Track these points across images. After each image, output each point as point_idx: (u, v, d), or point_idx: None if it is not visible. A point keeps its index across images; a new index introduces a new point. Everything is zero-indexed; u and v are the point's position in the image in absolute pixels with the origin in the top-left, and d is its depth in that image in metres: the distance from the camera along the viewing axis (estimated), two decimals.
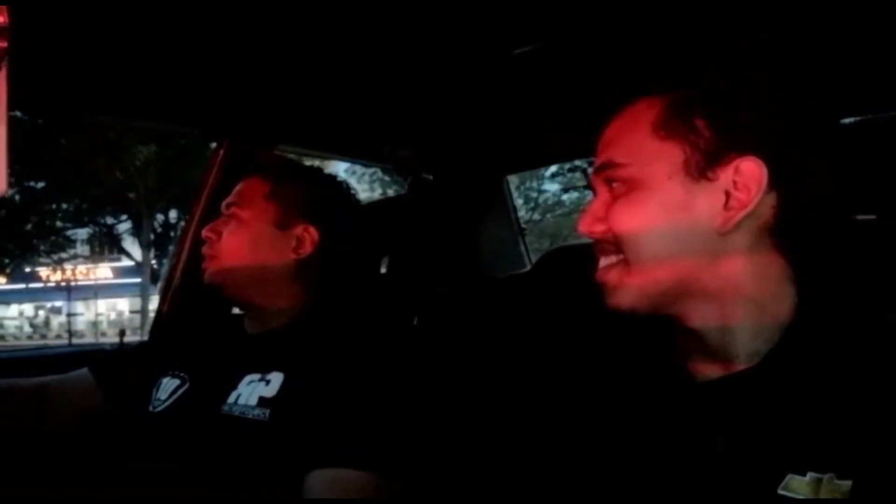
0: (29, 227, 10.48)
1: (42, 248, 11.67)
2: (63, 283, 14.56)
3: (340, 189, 1.10)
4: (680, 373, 0.66)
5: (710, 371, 0.63)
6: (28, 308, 18.29)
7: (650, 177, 0.62)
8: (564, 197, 13.12)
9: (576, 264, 0.72)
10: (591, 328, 0.75)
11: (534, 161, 1.95)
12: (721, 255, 0.61)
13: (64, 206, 10.79)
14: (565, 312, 1.06)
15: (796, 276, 0.62)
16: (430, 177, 1.74)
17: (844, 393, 0.55)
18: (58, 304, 17.35)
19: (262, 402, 0.89)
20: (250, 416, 0.89)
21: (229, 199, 1.04)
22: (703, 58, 0.91)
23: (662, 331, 0.67)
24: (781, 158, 0.60)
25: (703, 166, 0.61)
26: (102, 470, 1.00)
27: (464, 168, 1.73)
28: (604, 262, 0.66)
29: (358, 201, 1.13)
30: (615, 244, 0.64)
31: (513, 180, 1.91)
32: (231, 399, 0.92)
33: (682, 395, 0.64)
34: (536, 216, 12.68)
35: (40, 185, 10.23)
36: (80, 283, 15.02)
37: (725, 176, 0.60)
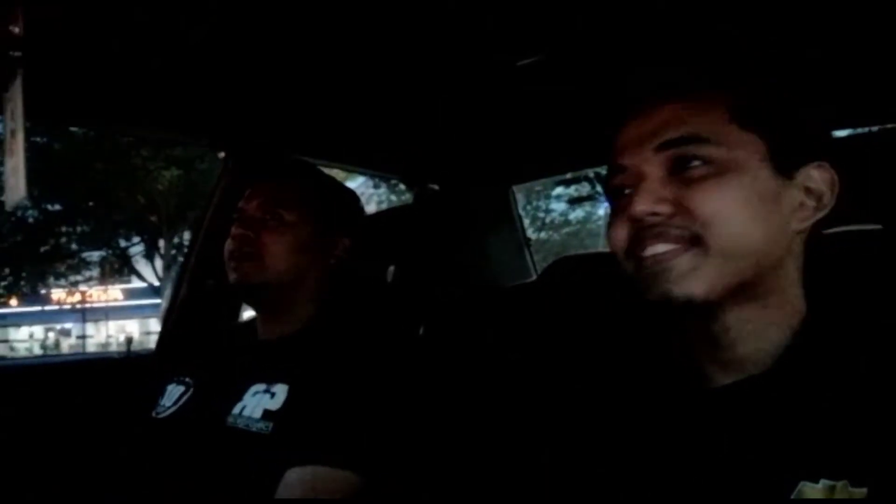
0: (45, 249, 10.50)
1: (58, 270, 11.69)
2: (78, 306, 14.61)
3: (359, 200, 1.15)
4: (688, 378, 0.64)
5: (719, 377, 0.62)
6: (38, 330, 18.35)
7: (742, 160, 0.58)
8: (571, 216, 13.12)
9: (582, 273, 0.71)
10: (599, 335, 0.74)
11: (540, 172, 1.95)
12: (788, 254, 0.60)
13: (80, 228, 10.83)
14: (573, 320, 1.06)
15: (806, 280, 0.62)
16: (437, 186, 1.75)
17: (858, 398, 0.54)
18: (67, 325, 17.40)
19: (267, 415, 0.89)
20: (254, 430, 0.89)
21: (265, 200, 1.03)
22: (764, 59, 0.91)
23: (670, 335, 0.66)
24: (836, 168, 0.60)
25: (785, 164, 0.59)
26: (106, 476, 1.00)
27: (470, 178, 1.74)
28: (664, 247, 0.58)
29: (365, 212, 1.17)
30: (686, 227, 0.58)
31: (519, 199, 1.91)
32: (236, 410, 0.92)
33: (692, 401, 0.63)
34: (543, 235, 12.66)
35: (57, 207, 10.27)
36: (94, 305, 15.06)
37: (803, 176, 0.60)
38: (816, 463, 0.53)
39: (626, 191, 0.63)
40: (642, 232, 0.60)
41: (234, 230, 1.02)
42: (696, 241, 0.58)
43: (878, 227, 0.84)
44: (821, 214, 0.60)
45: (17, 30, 0.73)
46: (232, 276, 1.01)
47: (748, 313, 0.60)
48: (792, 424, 0.55)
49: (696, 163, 0.59)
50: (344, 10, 0.87)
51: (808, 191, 0.60)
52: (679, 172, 0.60)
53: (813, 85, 0.97)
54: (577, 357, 0.78)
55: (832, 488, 0.52)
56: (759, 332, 0.60)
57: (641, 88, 0.65)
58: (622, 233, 0.62)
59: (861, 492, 0.51)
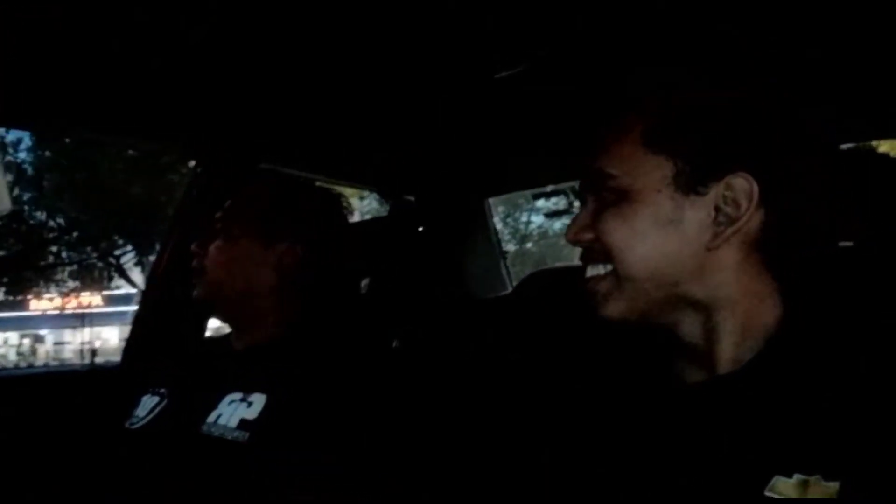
0: (30, 254, 10.23)
1: (48, 276, 11.40)
2: (56, 311, 14.33)
3: (328, 205, 1.10)
4: (665, 377, 0.66)
5: (695, 375, 0.64)
6: (13, 336, 18.02)
7: (640, 189, 0.61)
8: (555, 226, 13.25)
9: (556, 286, 0.72)
10: (575, 343, 0.76)
11: (515, 184, 1.96)
12: (709, 269, 0.61)
13: (74, 234, 10.54)
14: (547, 330, 1.06)
15: (782, 290, 0.63)
16: (412, 198, 1.74)
17: (831, 395, 0.55)
18: (41, 332, 17.08)
19: (243, 424, 0.88)
20: (229, 438, 0.87)
21: (219, 215, 1.04)
22: (695, 68, 0.93)
23: (647, 337, 0.67)
24: (772, 175, 0.60)
25: (693, 180, 0.60)
26: (80, 488, 0.98)
27: (446, 190, 1.74)
28: (591, 271, 0.65)
29: (345, 216, 1.12)
30: (603, 254, 0.63)
31: (499, 211, 1.92)
32: (211, 419, 0.90)
33: (667, 398, 0.64)
34: (527, 246, 12.74)
35: (59, 220, 9.99)
36: (74, 310, 14.77)
37: (716, 191, 0.60)
38: (789, 458, 0.54)
39: None
40: (582, 253, 0.67)
41: (192, 247, 1.04)
42: (611, 269, 0.63)
43: (849, 244, 0.85)
44: (735, 227, 0.60)
45: None
46: (193, 294, 1.03)
47: (699, 322, 0.63)
48: (764, 421, 0.57)
49: (605, 193, 0.64)
50: (320, 21, 0.87)
51: (724, 202, 0.60)
52: (600, 201, 0.65)
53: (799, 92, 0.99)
54: (553, 366, 0.79)
55: (805, 482, 0.53)
56: (720, 337, 0.62)
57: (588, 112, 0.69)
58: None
59: (834, 485, 0.52)
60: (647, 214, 0.61)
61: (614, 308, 0.63)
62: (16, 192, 8.20)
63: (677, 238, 0.61)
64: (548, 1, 0.84)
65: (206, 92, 1.09)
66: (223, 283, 1.00)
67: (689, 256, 0.61)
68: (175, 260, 1.31)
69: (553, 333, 1.04)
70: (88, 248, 10.70)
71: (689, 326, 0.63)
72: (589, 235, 0.64)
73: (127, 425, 0.99)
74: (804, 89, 0.98)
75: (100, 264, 10.95)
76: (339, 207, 1.10)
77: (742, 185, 0.60)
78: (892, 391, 0.54)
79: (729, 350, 0.62)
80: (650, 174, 0.61)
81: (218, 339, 1.10)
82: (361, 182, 1.84)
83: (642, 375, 0.68)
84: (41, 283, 11.47)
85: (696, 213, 0.61)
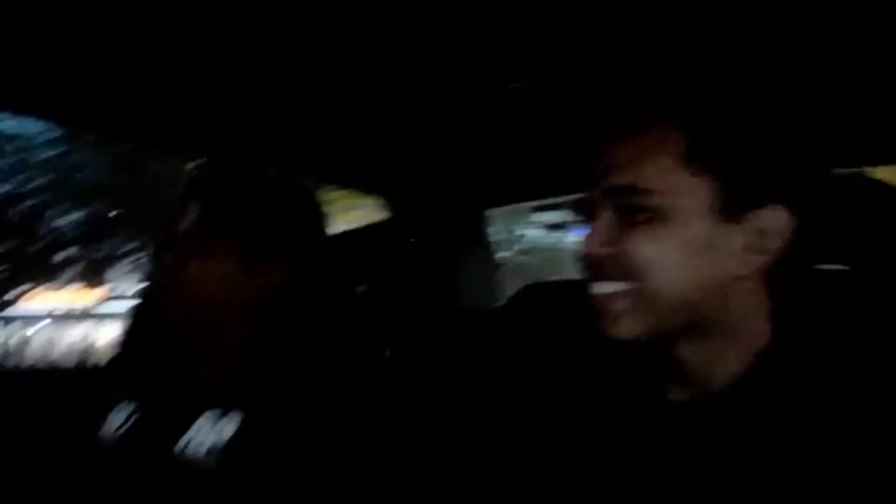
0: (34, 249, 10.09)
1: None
2: (53, 311, 14.19)
3: (317, 213, 1.03)
4: (654, 394, 0.66)
5: (679, 393, 0.64)
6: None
7: (679, 211, 0.59)
8: (548, 240, 13.23)
9: (549, 299, 0.72)
10: (566, 357, 0.75)
11: (514, 196, 1.96)
12: (731, 295, 0.61)
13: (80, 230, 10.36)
14: (540, 344, 1.05)
15: (774, 309, 0.63)
16: (408, 207, 1.74)
17: (811, 418, 0.55)
18: (35, 328, 17.01)
19: (217, 446, 0.86)
20: (204, 460, 0.85)
21: (201, 227, 0.93)
22: (695, 68, 0.92)
23: (638, 355, 0.67)
24: (802, 210, 0.60)
25: (733, 207, 0.59)
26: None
27: (443, 199, 1.73)
28: (607, 287, 0.62)
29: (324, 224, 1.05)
30: (625, 271, 0.61)
31: (497, 221, 1.92)
32: (183, 441, 0.88)
33: (656, 414, 0.64)
34: (521, 258, 12.74)
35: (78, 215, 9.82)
36: (69, 309, 14.64)
37: (752, 221, 0.60)
38: (771, 476, 0.54)
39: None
40: (590, 269, 0.64)
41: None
42: (631, 287, 0.60)
43: (845, 267, 0.85)
44: (768, 258, 0.60)
45: None
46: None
47: (701, 346, 0.62)
48: (747, 439, 0.57)
49: (638, 210, 0.61)
50: (321, 24, 0.87)
51: (758, 233, 0.60)
52: (625, 215, 0.62)
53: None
54: (544, 379, 0.78)
55: None
56: (714, 360, 0.62)
57: (598, 125, 0.66)
58: (580, 265, 0.65)
59: None
60: (684, 237, 0.59)
61: (628, 328, 0.61)
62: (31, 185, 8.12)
63: (709, 264, 0.60)
64: (548, 1, 0.83)
65: (205, 92, 1.08)
66: (206, 303, 0.90)
67: (717, 283, 0.60)
68: (166, 266, 1.30)
69: (545, 346, 1.03)
70: (96, 245, 10.57)
71: (692, 349, 0.62)
72: (610, 250, 0.62)
73: (99, 434, 0.95)
74: (804, 89, 0.97)
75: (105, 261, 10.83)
76: (321, 212, 1.01)
77: (779, 218, 0.59)
78: (881, 406, 0.54)
79: (723, 371, 0.61)
80: (691, 195, 0.59)
81: (190, 351, 1.05)
82: (360, 188, 1.84)
83: (631, 390, 0.68)
84: (45, 279, 11.31)
85: (730, 241, 0.60)
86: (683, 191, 0.60)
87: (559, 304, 1.11)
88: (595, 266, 0.63)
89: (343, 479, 0.83)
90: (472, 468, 0.83)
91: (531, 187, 1.75)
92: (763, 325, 0.62)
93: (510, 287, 1.81)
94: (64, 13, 0.83)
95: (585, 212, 0.65)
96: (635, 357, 0.68)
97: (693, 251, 0.59)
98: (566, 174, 1.41)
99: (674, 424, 0.62)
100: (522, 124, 1.23)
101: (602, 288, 0.62)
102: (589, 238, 0.63)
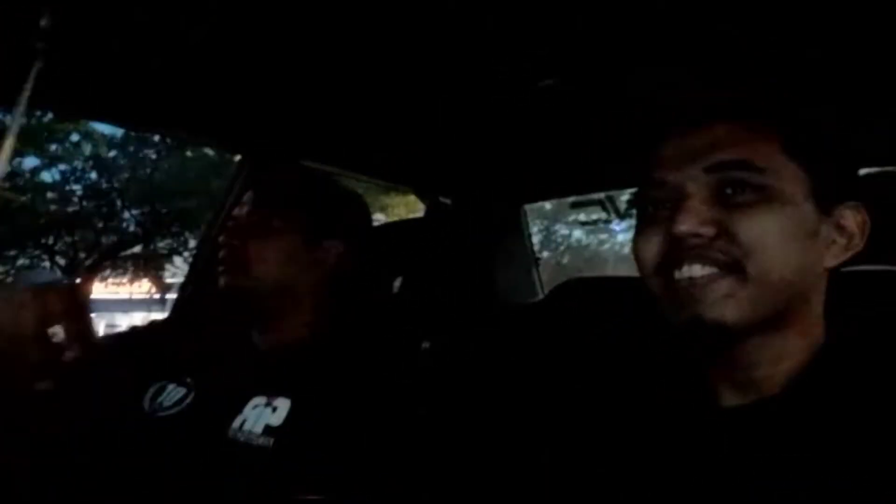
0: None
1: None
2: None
3: (363, 205, 1.11)
4: (699, 397, 0.64)
5: (731, 397, 0.62)
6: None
7: (790, 192, 0.58)
8: (588, 240, 13.12)
9: (589, 294, 0.71)
10: (608, 356, 0.74)
11: (553, 192, 1.95)
12: (815, 289, 0.61)
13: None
14: (579, 339, 1.05)
15: (828, 313, 0.62)
16: (449, 201, 1.75)
17: (869, 425, 0.54)
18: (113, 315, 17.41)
19: (268, 430, 0.88)
20: (255, 444, 0.88)
21: (254, 205, 1.02)
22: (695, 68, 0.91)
23: (682, 354, 0.66)
24: (867, 210, 0.61)
25: (827, 198, 0.59)
26: (99, 472, 0.97)
27: (483, 194, 1.74)
28: (702, 270, 0.57)
29: (371, 219, 1.13)
30: (728, 252, 0.57)
31: (536, 222, 1.92)
32: (236, 424, 0.90)
33: (704, 419, 0.62)
34: (564, 260, 12.66)
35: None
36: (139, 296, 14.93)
37: (838, 215, 0.60)
38: (825, 486, 0.52)
39: (667, 205, 0.61)
40: (680, 251, 0.58)
41: (223, 238, 1.01)
42: (735, 268, 0.57)
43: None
44: (850, 254, 0.60)
45: (43, 22, 0.74)
46: (220, 284, 0.99)
47: (770, 340, 0.59)
48: (802, 448, 0.55)
49: (746, 189, 0.58)
50: (364, 18, 0.88)
51: (840, 229, 0.60)
52: (724, 195, 0.58)
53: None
54: (586, 378, 0.78)
55: None
56: (776, 358, 0.60)
57: (693, 105, 0.62)
58: (654, 248, 0.61)
59: None
60: (795, 220, 0.58)
61: (735, 310, 0.57)
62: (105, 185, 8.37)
63: (814, 251, 0.59)
64: (548, 2, 0.83)
65: (250, 85, 1.11)
66: (263, 278, 0.97)
67: (815, 273, 0.60)
68: (215, 252, 1.34)
69: (585, 342, 1.03)
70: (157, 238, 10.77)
71: (762, 341, 0.59)
72: (711, 229, 0.57)
73: (148, 410, 0.98)
74: (804, 90, 0.95)
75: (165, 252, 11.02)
76: (364, 204, 1.11)
77: (858, 215, 0.61)
78: None
79: (786, 368, 0.60)
80: (793, 180, 0.58)
81: (237, 334, 1.09)
82: (400, 182, 1.85)
83: (677, 394, 0.66)
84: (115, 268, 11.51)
85: (827, 232, 0.60)
86: (787, 175, 0.59)
87: (599, 300, 1.11)
88: (693, 247, 0.58)
89: (378, 465, 0.84)
90: (505, 465, 0.83)
91: (570, 182, 1.73)
92: (821, 322, 0.62)
93: (549, 282, 1.81)
94: (134, 22, 0.87)
95: (665, 192, 0.61)
96: (681, 357, 0.66)
97: (798, 235, 0.58)
98: (606, 170, 1.41)
99: (728, 431, 0.60)
100: (563, 120, 1.22)
101: (695, 270, 0.58)
102: (683, 217, 0.58)
